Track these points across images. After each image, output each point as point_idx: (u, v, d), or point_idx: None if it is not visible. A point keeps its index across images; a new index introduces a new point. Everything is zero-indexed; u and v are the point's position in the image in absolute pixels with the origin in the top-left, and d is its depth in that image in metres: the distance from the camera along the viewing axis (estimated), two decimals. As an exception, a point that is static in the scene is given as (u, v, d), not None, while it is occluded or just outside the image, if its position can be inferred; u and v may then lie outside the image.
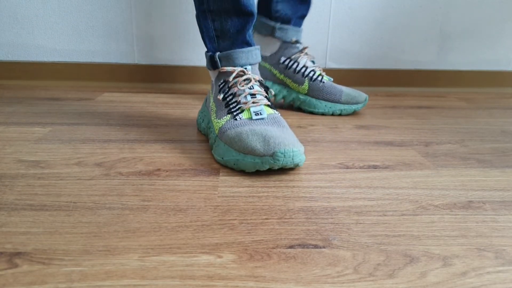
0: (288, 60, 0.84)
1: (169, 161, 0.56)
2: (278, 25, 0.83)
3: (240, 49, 0.60)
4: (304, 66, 0.84)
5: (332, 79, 0.85)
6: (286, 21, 0.83)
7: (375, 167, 0.56)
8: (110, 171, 0.52)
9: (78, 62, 1.05)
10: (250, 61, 0.61)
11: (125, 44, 1.05)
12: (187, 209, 0.43)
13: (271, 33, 0.84)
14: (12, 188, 0.46)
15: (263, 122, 0.56)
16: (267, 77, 0.87)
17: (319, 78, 0.83)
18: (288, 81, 0.85)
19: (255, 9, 0.61)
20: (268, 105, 0.59)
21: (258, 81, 0.60)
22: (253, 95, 0.59)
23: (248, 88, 0.59)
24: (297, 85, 0.84)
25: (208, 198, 0.46)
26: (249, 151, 0.51)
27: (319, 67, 0.85)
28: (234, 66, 0.60)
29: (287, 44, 0.85)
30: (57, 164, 0.54)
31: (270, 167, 0.51)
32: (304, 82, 0.83)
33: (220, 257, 0.35)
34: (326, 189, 0.49)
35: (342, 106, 0.82)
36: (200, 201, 0.45)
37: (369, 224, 0.41)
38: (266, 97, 0.60)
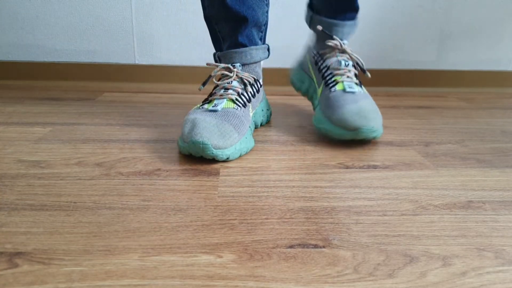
0: (317, 56, 0.73)
1: (169, 161, 0.56)
2: (312, 15, 0.73)
3: (233, 50, 0.65)
4: (326, 66, 0.70)
5: (353, 91, 0.66)
6: (319, 11, 0.72)
7: (375, 167, 0.56)
8: (110, 171, 0.52)
9: (78, 62, 1.05)
10: (243, 60, 0.66)
11: (125, 44, 1.05)
12: (187, 209, 0.43)
13: (309, 23, 0.74)
14: (12, 188, 0.46)
15: (210, 114, 0.59)
16: (305, 69, 0.78)
17: (331, 84, 0.68)
18: (314, 79, 0.74)
19: (249, 12, 0.64)
20: (232, 100, 0.62)
21: (241, 78, 0.65)
22: (226, 89, 0.64)
23: (227, 83, 0.64)
24: (317, 86, 0.73)
25: (208, 198, 0.46)
26: (181, 134, 0.58)
27: (348, 70, 0.69)
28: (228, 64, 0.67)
29: (320, 36, 0.73)
30: (57, 164, 0.54)
31: (193, 153, 0.55)
32: (321, 85, 0.70)
33: (220, 257, 0.35)
34: (326, 189, 0.49)
35: (328, 126, 0.65)
36: (200, 201, 0.45)
37: (369, 224, 0.41)
38: (239, 93, 0.64)
